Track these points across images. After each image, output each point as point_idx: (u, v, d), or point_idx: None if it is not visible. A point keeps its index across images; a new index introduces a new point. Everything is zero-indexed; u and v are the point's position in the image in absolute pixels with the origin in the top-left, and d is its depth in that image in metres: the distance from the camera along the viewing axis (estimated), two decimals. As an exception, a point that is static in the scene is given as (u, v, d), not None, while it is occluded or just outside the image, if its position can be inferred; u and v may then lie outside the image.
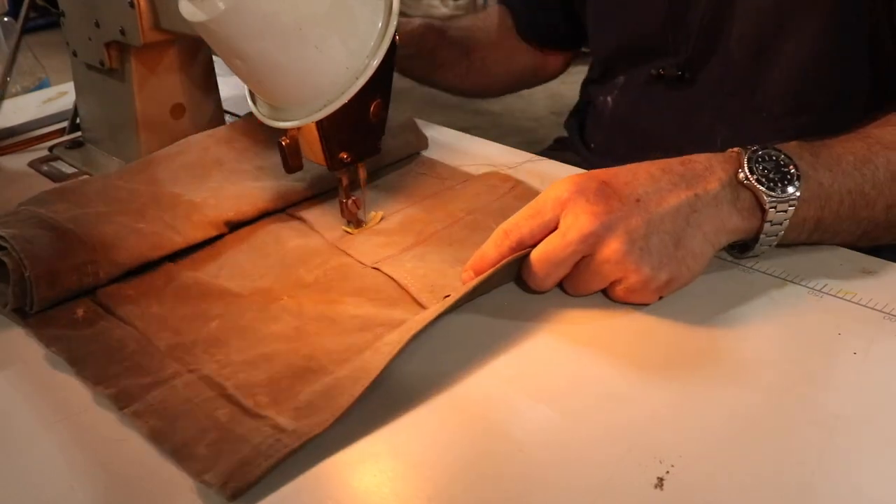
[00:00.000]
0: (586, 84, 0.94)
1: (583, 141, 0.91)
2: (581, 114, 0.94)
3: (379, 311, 0.51)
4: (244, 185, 0.63)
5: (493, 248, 0.51)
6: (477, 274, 0.51)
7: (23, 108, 0.88)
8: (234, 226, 0.61)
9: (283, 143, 0.56)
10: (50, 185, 0.73)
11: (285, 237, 0.60)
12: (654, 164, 0.52)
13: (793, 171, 0.51)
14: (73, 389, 0.46)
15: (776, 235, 0.52)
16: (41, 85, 1.23)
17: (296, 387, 0.44)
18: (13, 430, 0.43)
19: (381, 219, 0.62)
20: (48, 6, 0.77)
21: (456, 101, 1.11)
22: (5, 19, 1.23)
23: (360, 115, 0.56)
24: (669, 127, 0.80)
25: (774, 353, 0.47)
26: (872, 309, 0.50)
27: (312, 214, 0.63)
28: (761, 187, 0.50)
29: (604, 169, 0.51)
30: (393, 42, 0.53)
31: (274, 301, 0.52)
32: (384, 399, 0.44)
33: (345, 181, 0.59)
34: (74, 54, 0.74)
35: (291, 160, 0.57)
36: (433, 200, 0.65)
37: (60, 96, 0.93)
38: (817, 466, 0.39)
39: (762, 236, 0.52)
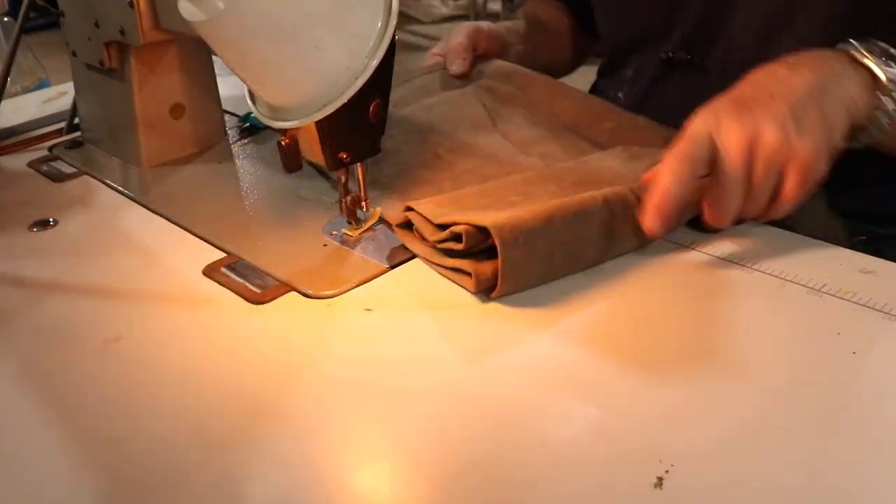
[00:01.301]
0: (598, 80, 0.94)
1: None
2: None
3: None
4: None
5: (677, 184, 0.52)
6: (664, 216, 0.52)
7: (23, 108, 0.88)
8: None
9: (283, 143, 0.56)
10: (50, 185, 0.73)
11: None
12: (765, 68, 0.57)
13: None
14: (74, 389, 0.46)
15: (889, 113, 0.55)
16: (41, 85, 1.23)
17: None
18: (13, 430, 0.43)
19: (380, 216, 0.62)
20: (48, 6, 0.77)
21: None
22: (5, 19, 1.23)
23: (359, 115, 0.56)
24: (679, 117, 0.80)
25: (774, 353, 0.47)
26: (872, 309, 0.50)
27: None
28: (875, 61, 0.55)
29: (724, 93, 0.55)
30: (393, 42, 0.53)
31: None
32: (385, 399, 0.44)
33: (344, 181, 0.59)
34: (74, 54, 0.74)
35: (291, 160, 0.57)
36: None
37: (60, 96, 0.93)
38: (817, 466, 0.39)
39: (876, 112, 0.55)
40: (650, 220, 0.52)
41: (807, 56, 0.57)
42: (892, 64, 0.55)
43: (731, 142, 0.51)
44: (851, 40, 0.57)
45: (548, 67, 0.97)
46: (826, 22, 0.68)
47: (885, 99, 0.55)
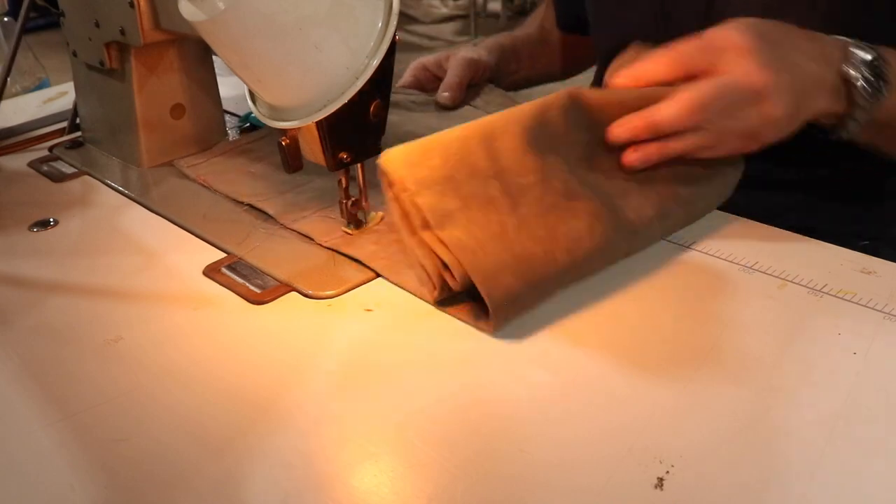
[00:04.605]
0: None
1: None
2: None
3: None
4: None
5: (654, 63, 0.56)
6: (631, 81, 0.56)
7: (23, 108, 0.88)
8: None
9: (283, 144, 0.56)
10: (50, 185, 0.73)
11: None
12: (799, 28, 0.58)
13: (889, 76, 0.57)
14: (74, 389, 0.46)
15: (858, 122, 0.58)
16: (41, 85, 1.23)
17: None
18: (13, 429, 0.43)
19: (381, 219, 0.62)
20: (48, 6, 0.77)
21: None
22: (5, 19, 1.23)
23: (360, 115, 0.56)
24: None
25: (774, 353, 0.47)
26: (872, 309, 0.50)
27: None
28: (859, 84, 0.57)
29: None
30: (393, 42, 0.53)
31: None
32: (385, 399, 0.44)
33: (344, 182, 0.59)
34: (74, 54, 0.75)
35: (291, 160, 0.57)
36: None
37: (60, 96, 0.93)
38: (817, 466, 0.39)
39: (850, 121, 0.58)
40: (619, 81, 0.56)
41: (827, 46, 0.58)
42: (871, 85, 0.57)
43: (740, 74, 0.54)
44: (851, 49, 0.58)
45: (542, 78, 1.01)
46: (821, 18, 0.69)
47: (855, 110, 0.57)
